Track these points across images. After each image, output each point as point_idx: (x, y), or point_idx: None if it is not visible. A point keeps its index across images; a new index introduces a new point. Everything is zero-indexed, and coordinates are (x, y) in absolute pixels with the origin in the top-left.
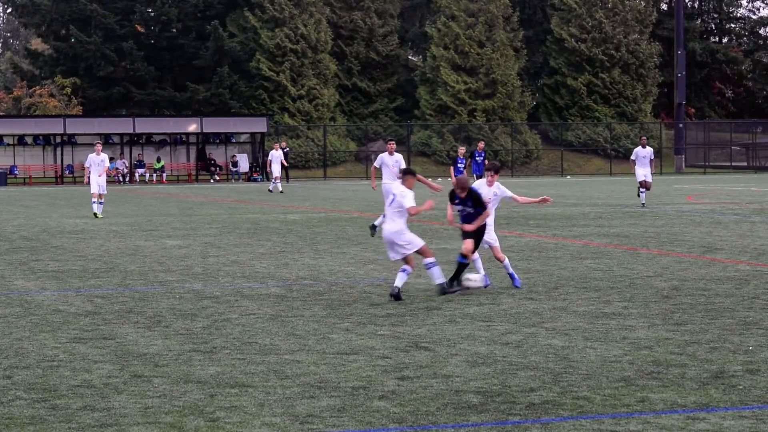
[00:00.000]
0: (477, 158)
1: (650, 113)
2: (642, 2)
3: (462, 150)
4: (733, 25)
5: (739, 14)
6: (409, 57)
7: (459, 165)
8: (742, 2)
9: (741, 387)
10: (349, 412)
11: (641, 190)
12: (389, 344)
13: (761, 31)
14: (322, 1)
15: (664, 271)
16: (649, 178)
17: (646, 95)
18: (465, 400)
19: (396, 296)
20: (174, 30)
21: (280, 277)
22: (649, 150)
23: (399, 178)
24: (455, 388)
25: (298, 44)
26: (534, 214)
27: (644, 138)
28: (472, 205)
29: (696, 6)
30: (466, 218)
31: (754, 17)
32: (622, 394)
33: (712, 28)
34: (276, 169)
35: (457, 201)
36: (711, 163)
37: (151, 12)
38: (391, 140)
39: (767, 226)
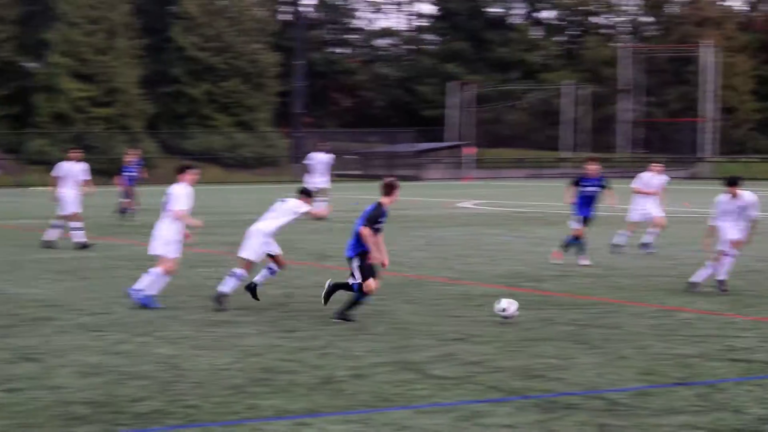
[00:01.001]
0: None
1: (269, 122)
2: (263, 12)
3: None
4: (351, 36)
5: (356, 26)
6: (27, 64)
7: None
8: (360, 14)
9: (348, 392)
10: None
11: None
12: None
13: (377, 43)
14: None
15: (277, 279)
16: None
17: (265, 104)
18: (73, 411)
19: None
20: None
21: None
22: None
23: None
24: (64, 399)
25: None
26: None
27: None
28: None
29: (316, 17)
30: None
31: (370, 29)
32: (232, 402)
33: (331, 38)
34: None
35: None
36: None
37: None
38: None
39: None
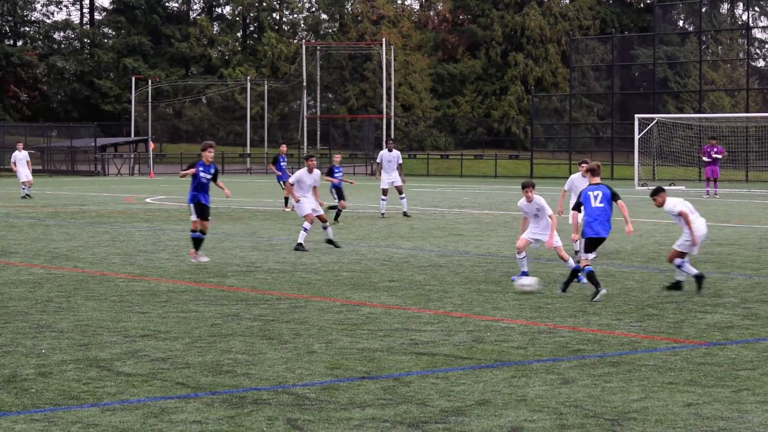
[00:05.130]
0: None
1: None
2: None
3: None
4: (27, 29)
5: (33, 18)
6: None
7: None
8: (37, 6)
9: (33, 390)
10: None
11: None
12: None
13: (55, 36)
14: None
15: None
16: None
17: None
18: None
19: None
20: None
21: None
22: (395, 154)
23: None
24: None
25: None
26: None
27: (391, 141)
28: None
29: None
30: None
31: (48, 21)
32: None
33: (6, 30)
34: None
35: None
36: (7, 167)
37: None
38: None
39: (61, 229)
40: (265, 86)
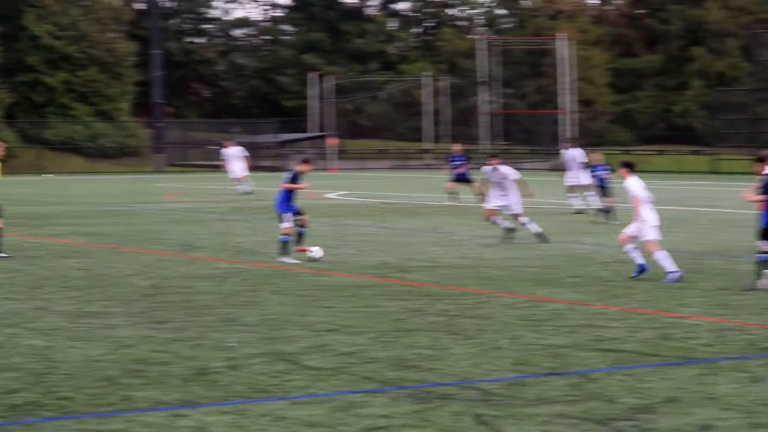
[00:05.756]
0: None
1: (129, 112)
2: (118, 1)
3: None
4: (207, 26)
5: (213, 15)
6: None
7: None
8: (216, 4)
9: (223, 383)
10: None
11: None
12: None
13: (235, 33)
14: None
15: (145, 270)
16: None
17: (124, 94)
18: None
19: None
20: None
21: None
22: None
23: None
24: None
25: None
26: (13, 213)
27: (570, 140)
28: None
29: (172, 6)
30: None
31: (227, 19)
32: (106, 393)
33: (187, 28)
34: None
35: None
36: (191, 162)
37: None
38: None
39: (245, 224)
40: (444, 82)
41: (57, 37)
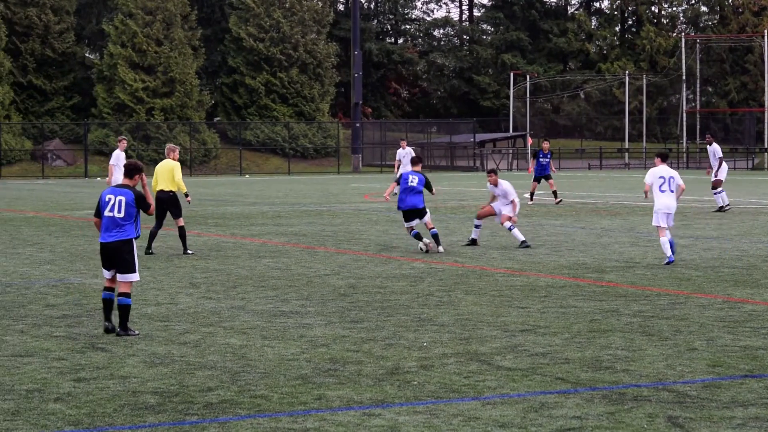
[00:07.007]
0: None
1: (328, 113)
2: (319, 2)
3: (546, 145)
4: (408, 27)
5: (413, 16)
6: (86, 55)
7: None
8: (417, 4)
9: (415, 383)
10: (24, 416)
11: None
12: (65, 345)
13: (435, 33)
14: None
15: (341, 270)
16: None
17: (324, 95)
18: (142, 400)
19: None
20: None
21: None
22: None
23: None
24: (132, 388)
25: None
26: (212, 213)
27: (709, 135)
28: None
29: (372, 7)
30: None
31: (428, 19)
32: (300, 392)
33: (387, 29)
34: None
35: None
36: (388, 163)
37: None
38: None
39: (443, 224)
40: (644, 80)
41: (259, 39)
